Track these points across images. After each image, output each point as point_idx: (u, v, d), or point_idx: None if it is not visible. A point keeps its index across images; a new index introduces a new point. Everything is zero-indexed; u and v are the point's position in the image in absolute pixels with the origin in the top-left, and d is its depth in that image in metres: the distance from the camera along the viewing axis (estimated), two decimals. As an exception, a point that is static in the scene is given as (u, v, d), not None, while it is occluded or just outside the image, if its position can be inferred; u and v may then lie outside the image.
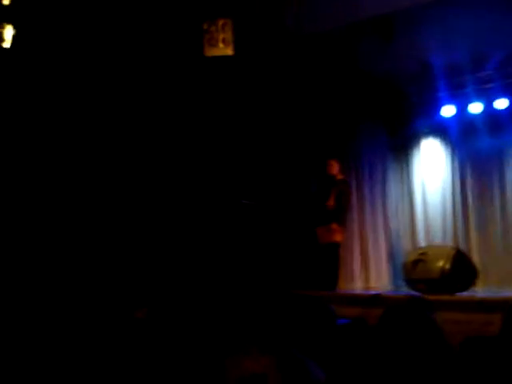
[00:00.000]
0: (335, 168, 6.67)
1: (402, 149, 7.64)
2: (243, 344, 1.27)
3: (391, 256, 7.31)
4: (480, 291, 6.51)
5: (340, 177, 6.71)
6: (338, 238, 6.42)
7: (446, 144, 7.40)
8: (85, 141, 4.96)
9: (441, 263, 5.35)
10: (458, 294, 5.42)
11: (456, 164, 7.28)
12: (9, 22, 3.79)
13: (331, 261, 6.39)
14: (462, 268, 5.48)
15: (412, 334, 1.94)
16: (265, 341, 1.30)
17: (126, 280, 4.03)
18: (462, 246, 6.78)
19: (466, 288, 5.56)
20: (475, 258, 6.79)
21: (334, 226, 6.37)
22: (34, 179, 4.68)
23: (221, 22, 4.77)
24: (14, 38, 3.90)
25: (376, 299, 5.12)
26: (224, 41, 4.77)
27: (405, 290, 5.99)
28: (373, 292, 5.92)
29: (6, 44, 3.86)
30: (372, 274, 7.35)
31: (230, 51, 4.81)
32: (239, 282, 5.00)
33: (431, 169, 7.44)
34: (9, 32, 3.83)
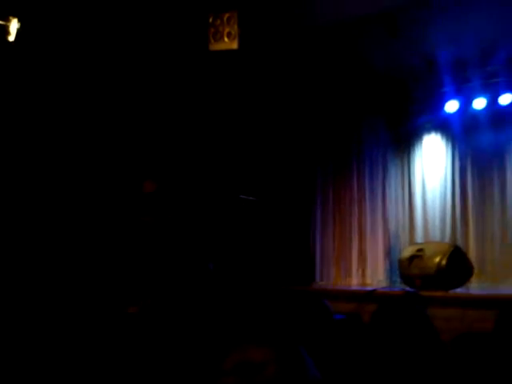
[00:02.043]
0: None
1: (404, 144, 7.63)
2: (244, 334, 1.30)
3: (388, 252, 7.32)
4: (476, 288, 6.56)
5: None
6: None
7: (448, 140, 7.39)
8: (84, 134, 4.97)
9: (437, 259, 5.38)
10: (453, 290, 5.47)
11: (457, 160, 7.27)
12: (14, 16, 3.80)
13: None
14: (458, 265, 5.52)
15: (404, 329, 1.98)
16: (267, 333, 1.32)
17: (119, 275, 4.06)
18: (460, 243, 6.80)
19: (461, 284, 5.61)
20: (472, 254, 6.82)
21: None
22: (24, 178, 4.68)
23: (226, 16, 4.75)
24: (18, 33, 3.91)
25: (371, 295, 5.17)
26: (229, 35, 4.76)
27: (401, 286, 6.04)
28: (368, 288, 5.97)
29: (11, 37, 3.87)
30: (369, 270, 7.37)
31: (234, 45, 4.78)
32: (236, 277, 5.05)
33: (432, 165, 7.43)
34: (14, 26, 3.84)
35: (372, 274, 7.35)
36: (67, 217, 4.76)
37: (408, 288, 5.47)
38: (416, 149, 7.58)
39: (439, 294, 5.15)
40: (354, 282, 7.32)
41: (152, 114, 5.42)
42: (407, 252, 5.92)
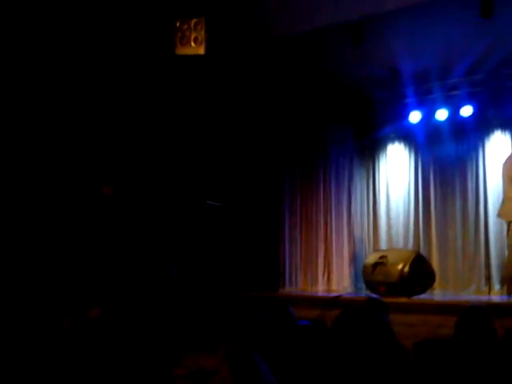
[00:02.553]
0: None
1: (369, 153, 7.78)
2: (196, 340, 1.28)
3: (354, 259, 7.42)
4: (438, 295, 6.70)
5: None
6: None
7: (411, 149, 7.57)
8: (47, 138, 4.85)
9: (400, 266, 5.47)
10: (415, 296, 5.56)
11: (420, 169, 7.46)
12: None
13: None
14: (421, 272, 5.62)
15: (364, 335, 1.98)
16: (221, 339, 1.31)
17: (78, 279, 3.97)
18: (423, 251, 6.95)
19: (423, 291, 5.71)
20: (435, 262, 6.98)
21: None
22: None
23: (193, 21, 4.74)
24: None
25: (335, 301, 5.21)
26: (196, 40, 4.75)
27: (366, 293, 6.11)
28: (333, 294, 6.01)
29: None
30: (334, 277, 7.44)
31: (201, 50, 4.78)
32: (199, 283, 5.00)
33: (396, 173, 7.60)
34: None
35: (338, 280, 7.41)
36: (27, 219, 4.63)
37: (372, 294, 5.53)
38: (381, 158, 7.73)
39: (402, 300, 5.23)
40: (321, 289, 7.37)
41: (117, 117, 5.34)
42: (371, 259, 6.00)
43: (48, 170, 4.82)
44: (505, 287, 6.33)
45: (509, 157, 5.72)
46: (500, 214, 5.74)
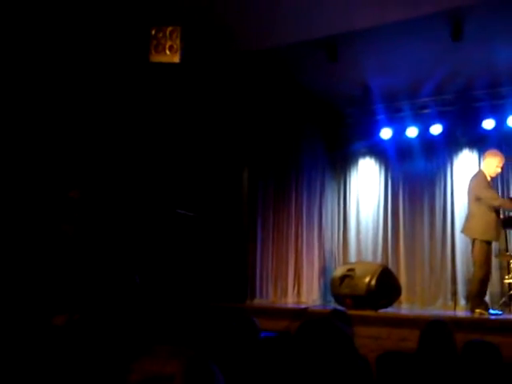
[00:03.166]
0: None
1: (340, 167, 7.89)
2: (153, 347, 1.28)
3: (323, 271, 7.46)
4: (406, 309, 6.80)
5: None
6: None
7: (382, 165, 7.71)
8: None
9: (367, 280, 5.52)
10: (382, 310, 5.62)
11: (390, 185, 7.60)
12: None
13: None
14: (387, 285, 5.68)
15: (323, 346, 1.99)
16: (178, 346, 1.31)
17: (44, 286, 3.89)
18: (392, 265, 7.05)
19: (390, 304, 5.77)
20: (403, 276, 7.09)
21: None
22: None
23: (169, 29, 4.76)
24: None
25: (303, 313, 5.23)
26: (171, 48, 4.76)
27: (334, 305, 6.14)
28: (302, 306, 6.03)
29: None
30: (304, 289, 7.46)
31: (176, 59, 4.79)
32: (163, 291, 4.95)
33: (366, 188, 7.72)
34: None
35: (307, 292, 7.43)
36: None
37: (339, 307, 5.57)
38: (352, 172, 7.85)
39: (368, 313, 5.28)
40: (290, 301, 7.37)
41: (87, 122, 5.28)
42: (339, 272, 6.04)
43: (13, 172, 4.72)
44: (469, 303, 6.46)
45: (474, 175, 5.88)
46: (464, 231, 5.88)
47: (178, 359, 1.28)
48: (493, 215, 5.52)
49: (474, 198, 5.64)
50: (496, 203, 5.55)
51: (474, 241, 5.63)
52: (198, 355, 1.33)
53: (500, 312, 5.51)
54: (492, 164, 5.70)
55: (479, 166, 7.16)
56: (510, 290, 5.81)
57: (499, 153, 5.81)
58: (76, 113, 5.11)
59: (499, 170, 5.79)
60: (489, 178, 5.70)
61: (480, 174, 5.73)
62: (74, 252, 4.21)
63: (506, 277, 5.87)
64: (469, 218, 5.73)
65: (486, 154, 5.90)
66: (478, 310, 5.31)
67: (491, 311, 5.42)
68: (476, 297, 5.46)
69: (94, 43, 4.84)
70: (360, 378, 2.37)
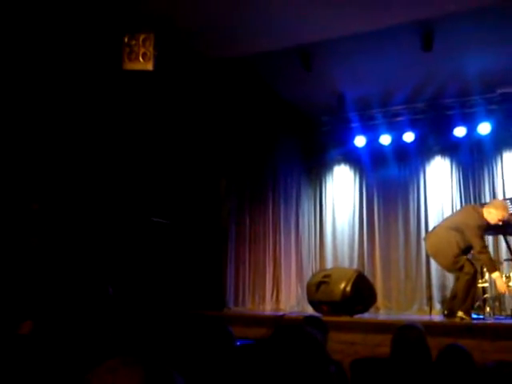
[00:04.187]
0: None
1: (316, 174, 7.97)
2: (110, 358, 1.26)
3: (300, 278, 7.47)
4: (382, 314, 6.86)
5: None
6: None
7: (357, 172, 7.81)
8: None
9: (342, 285, 5.54)
10: (358, 315, 5.66)
11: (364, 191, 7.70)
12: None
13: None
14: (362, 291, 5.72)
15: (294, 353, 1.99)
16: (140, 356, 1.30)
17: (10, 293, 3.81)
18: (368, 270, 7.12)
19: (365, 310, 5.81)
20: (379, 282, 7.16)
21: None
22: None
23: (142, 37, 4.75)
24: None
25: (280, 320, 5.22)
26: (144, 56, 4.75)
27: (311, 312, 6.15)
28: (279, 313, 6.03)
29: None
30: (283, 296, 7.46)
31: (150, 66, 4.77)
32: (137, 301, 4.89)
33: (342, 194, 7.80)
34: None
35: (285, 299, 7.44)
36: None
37: (316, 313, 5.59)
38: (327, 179, 7.93)
39: (344, 319, 5.30)
40: (269, 308, 7.36)
41: (62, 129, 5.20)
42: (315, 278, 6.06)
43: None
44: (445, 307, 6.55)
45: (474, 212, 5.65)
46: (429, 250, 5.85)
47: (137, 369, 1.26)
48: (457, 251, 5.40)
49: (456, 229, 5.41)
50: (481, 256, 5.29)
51: None
52: (157, 364, 1.31)
53: (481, 316, 5.53)
54: (497, 215, 5.36)
55: (451, 172, 7.33)
56: (483, 294, 5.90)
57: (508, 209, 5.54)
58: (44, 121, 5.02)
59: (499, 224, 5.46)
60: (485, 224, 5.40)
61: (481, 218, 5.36)
62: (38, 262, 4.13)
63: (480, 281, 5.96)
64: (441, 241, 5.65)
65: (497, 203, 5.67)
66: (459, 314, 5.30)
67: (473, 315, 5.44)
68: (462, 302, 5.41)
69: (65, 52, 4.78)
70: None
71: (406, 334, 3.17)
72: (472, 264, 5.42)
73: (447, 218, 5.99)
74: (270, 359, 2.01)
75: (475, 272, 5.37)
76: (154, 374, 1.22)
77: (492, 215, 5.36)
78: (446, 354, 2.94)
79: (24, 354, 2.23)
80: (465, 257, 5.44)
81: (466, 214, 5.55)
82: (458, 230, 5.42)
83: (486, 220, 5.35)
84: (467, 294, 5.32)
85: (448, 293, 6.33)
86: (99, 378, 1.20)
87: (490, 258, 5.42)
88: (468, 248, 5.42)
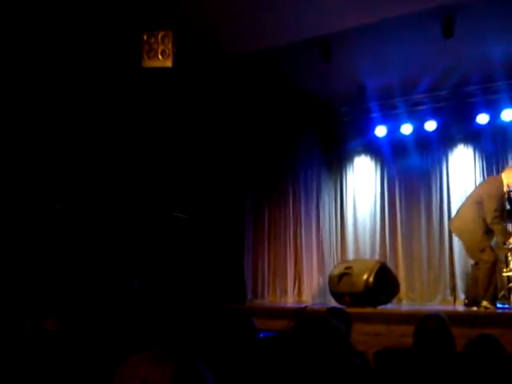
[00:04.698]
0: None
1: (336, 165, 7.92)
2: (141, 351, 1.29)
3: (322, 270, 7.48)
4: (405, 305, 6.82)
5: None
6: None
7: (377, 162, 7.74)
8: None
9: (365, 277, 5.53)
10: (381, 306, 5.64)
11: (386, 182, 7.63)
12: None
13: None
14: (385, 282, 5.70)
15: (318, 344, 2.01)
16: (168, 350, 1.32)
17: (34, 289, 3.90)
18: (390, 261, 7.07)
19: (388, 301, 5.79)
20: (401, 272, 7.11)
21: None
22: None
23: (160, 34, 4.78)
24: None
25: (302, 312, 5.24)
26: (163, 53, 4.78)
27: (334, 304, 6.16)
28: (300, 305, 6.05)
29: None
30: (304, 288, 7.48)
31: (169, 63, 4.80)
32: (162, 296, 4.95)
33: (362, 186, 7.74)
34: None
35: (307, 291, 7.46)
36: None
37: (339, 305, 5.60)
38: (348, 170, 7.88)
39: (367, 310, 5.30)
40: (291, 300, 7.39)
41: (82, 127, 5.28)
42: (337, 270, 6.06)
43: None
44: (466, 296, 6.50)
45: (486, 181, 5.75)
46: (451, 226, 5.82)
47: (168, 363, 1.30)
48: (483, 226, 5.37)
49: (479, 202, 5.40)
50: (494, 227, 5.27)
51: None
52: (187, 358, 1.34)
53: (506, 305, 5.49)
54: None
55: (474, 161, 7.23)
56: (508, 283, 5.82)
57: None
58: (66, 118, 5.09)
59: None
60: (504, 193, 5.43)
61: (501, 186, 5.39)
62: (63, 259, 4.20)
63: (505, 270, 5.88)
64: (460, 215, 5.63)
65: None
66: (484, 303, 5.27)
67: (498, 305, 5.41)
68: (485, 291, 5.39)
69: (83, 49, 4.84)
70: (357, 375, 2.39)
71: (429, 324, 3.16)
72: (493, 251, 5.38)
73: (470, 195, 5.90)
74: (295, 351, 2.03)
75: (495, 261, 5.33)
76: (185, 368, 1.26)
77: (510, 178, 5.41)
78: (477, 344, 2.90)
79: (50, 349, 2.29)
80: (488, 241, 5.41)
81: (487, 185, 5.60)
82: (479, 203, 5.41)
83: (506, 186, 5.37)
84: (489, 283, 5.28)
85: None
86: (130, 371, 1.24)
87: (505, 228, 5.45)
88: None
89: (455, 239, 6.93)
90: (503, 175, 5.55)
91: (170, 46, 4.69)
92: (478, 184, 6.64)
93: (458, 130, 7.17)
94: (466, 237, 5.66)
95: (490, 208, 5.30)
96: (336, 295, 5.90)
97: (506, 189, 5.45)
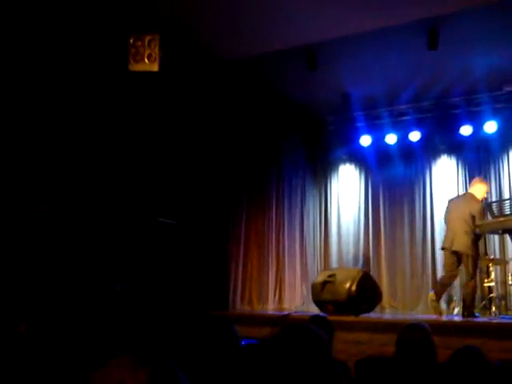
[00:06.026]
0: None
1: (321, 173, 7.96)
2: (115, 356, 1.26)
3: (305, 278, 7.48)
4: (387, 313, 6.84)
5: None
6: None
7: (362, 171, 7.80)
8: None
9: (347, 285, 5.54)
10: (363, 315, 5.65)
11: (370, 190, 7.68)
12: None
13: None
14: (367, 290, 5.71)
15: (299, 352, 1.99)
16: (144, 355, 1.30)
17: (7, 294, 3.83)
18: (373, 270, 7.10)
19: (371, 309, 5.80)
20: (385, 281, 7.14)
21: None
22: None
23: (147, 38, 4.76)
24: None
25: (285, 320, 5.22)
26: (149, 57, 4.76)
27: (316, 311, 6.14)
28: (283, 313, 6.03)
29: None
30: (287, 296, 7.47)
31: (155, 67, 4.79)
32: (143, 299, 4.91)
33: (347, 194, 7.78)
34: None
35: (290, 299, 7.44)
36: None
37: (321, 313, 5.59)
38: (332, 178, 7.92)
39: (349, 318, 5.29)
40: (272, 308, 7.36)
41: (69, 130, 5.22)
42: (320, 278, 6.06)
43: None
44: (451, 306, 6.55)
45: (468, 197, 5.83)
46: (455, 247, 5.84)
47: (142, 368, 1.27)
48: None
49: (466, 217, 5.59)
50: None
51: (467, 255, 5.60)
52: (161, 363, 1.32)
53: (477, 314, 5.59)
54: (482, 190, 5.77)
55: (457, 171, 7.30)
56: (489, 294, 5.88)
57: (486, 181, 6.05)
58: (50, 120, 5.03)
59: (485, 196, 5.88)
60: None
61: (478, 199, 5.71)
62: (44, 262, 4.14)
63: (486, 280, 5.93)
64: (458, 234, 5.67)
65: (476, 180, 6.04)
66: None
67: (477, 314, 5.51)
68: (471, 303, 5.51)
69: (72, 54, 4.80)
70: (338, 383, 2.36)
71: (411, 334, 3.16)
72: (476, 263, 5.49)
73: (454, 211, 5.91)
74: (277, 359, 2.01)
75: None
76: (159, 373, 1.23)
77: (480, 191, 5.75)
78: (460, 355, 2.90)
79: (21, 351, 2.24)
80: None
81: (470, 203, 5.70)
82: (469, 218, 5.57)
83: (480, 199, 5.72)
84: (474, 296, 5.44)
85: (454, 291, 6.34)
86: (105, 375, 1.21)
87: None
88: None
89: (438, 248, 6.99)
90: (474, 191, 5.80)
91: (156, 50, 4.67)
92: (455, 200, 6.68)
93: (441, 140, 7.26)
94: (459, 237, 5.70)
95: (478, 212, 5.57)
96: (319, 303, 5.89)
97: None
